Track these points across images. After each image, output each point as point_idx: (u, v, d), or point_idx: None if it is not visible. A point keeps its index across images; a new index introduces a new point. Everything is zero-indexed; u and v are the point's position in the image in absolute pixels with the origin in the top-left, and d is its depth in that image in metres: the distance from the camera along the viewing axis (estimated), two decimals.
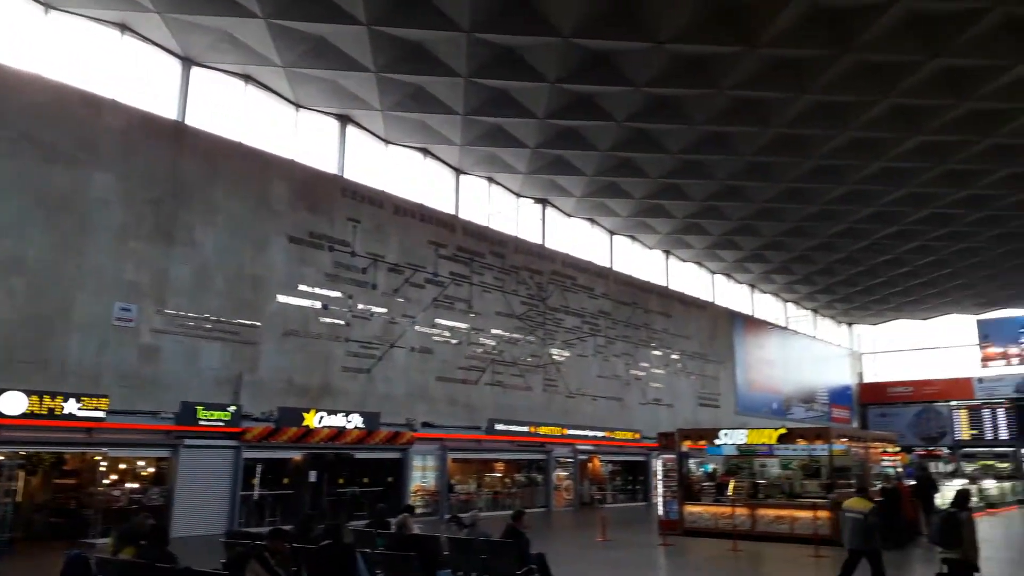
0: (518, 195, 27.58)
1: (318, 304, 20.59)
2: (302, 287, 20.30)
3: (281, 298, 19.81)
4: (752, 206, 27.44)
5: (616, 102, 20.12)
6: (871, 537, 10.36)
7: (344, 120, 22.07)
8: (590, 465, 28.77)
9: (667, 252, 34.62)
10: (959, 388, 46.84)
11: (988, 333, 46.23)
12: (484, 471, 25.38)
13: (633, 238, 32.62)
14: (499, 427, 24.32)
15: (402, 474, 21.42)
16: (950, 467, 41.75)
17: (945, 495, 25.12)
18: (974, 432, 46.12)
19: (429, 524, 18.18)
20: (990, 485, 30.29)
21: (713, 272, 37.70)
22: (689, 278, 36.17)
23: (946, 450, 45.79)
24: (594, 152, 23.10)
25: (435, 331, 23.61)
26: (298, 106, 21.07)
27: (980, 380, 46.21)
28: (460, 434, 23.29)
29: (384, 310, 22.20)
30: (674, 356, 34.11)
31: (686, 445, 20.46)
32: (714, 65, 18.28)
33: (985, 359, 46.23)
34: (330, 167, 21.78)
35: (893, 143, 21.99)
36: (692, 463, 21.42)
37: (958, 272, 35.71)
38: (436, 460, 22.63)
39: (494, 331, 25.58)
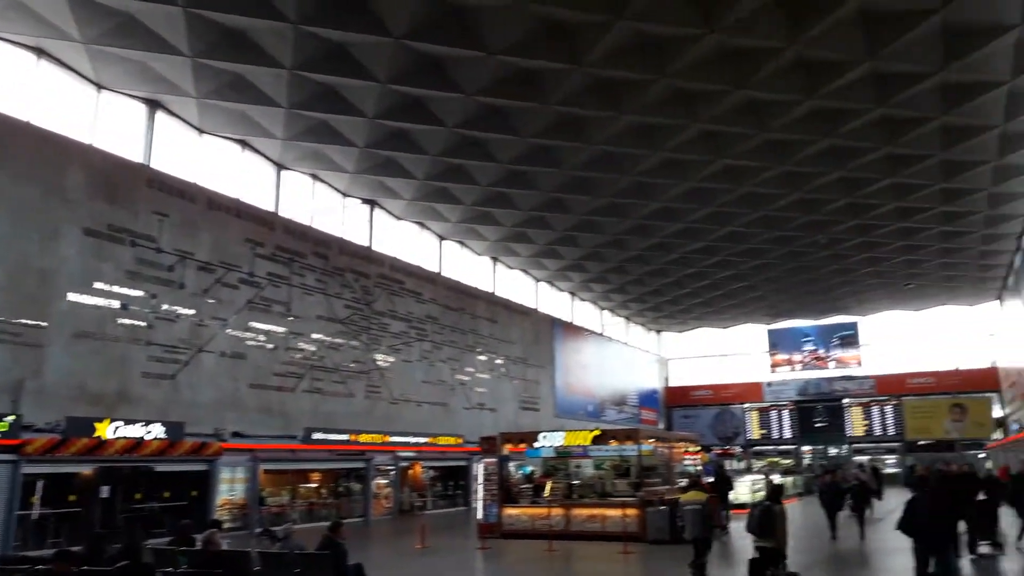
0: (345, 194, 26.89)
1: (116, 303, 18.79)
2: (98, 284, 18.44)
3: (73, 296, 17.87)
4: (574, 218, 28.59)
5: (447, 108, 20.15)
6: (708, 525, 11.37)
7: (153, 105, 20.37)
8: (411, 472, 28.57)
9: (495, 259, 35.25)
10: (752, 391, 51.49)
11: (776, 342, 51.23)
12: (299, 482, 24.41)
13: (462, 244, 32.91)
14: (317, 436, 23.51)
15: (208, 487, 20.09)
16: (742, 464, 45.93)
17: (738, 491, 27.54)
18: (763, 432, 50.83)
19: (239, 539, 17.18)
20: (775, 479, 33.49)
21: (537, 280, 38.89)
22: (515, 285, 37.05)
23: (739, 448, 50.26)
24: (425, 156, 23.00)
25: (249, 335, 22.36)
26: (100, 87, 19.16)
27: (769, 384, 51.04)
28: (274, 444, 22.24)
29: (192, 311, 20.71)
30: (498, 361, 34.74)
31: (507, 448, 20.86)
32: (543, 79, 18.82)
33: (774, 365, 51.16)
34: (135, 155, 20.01)
35: (700, 165, 23.77)
36: (512, 466, 21.86)
37: (753, 286, 39.29)
38: (246, 471, 21.46)
39: (315, 336, 24.69)
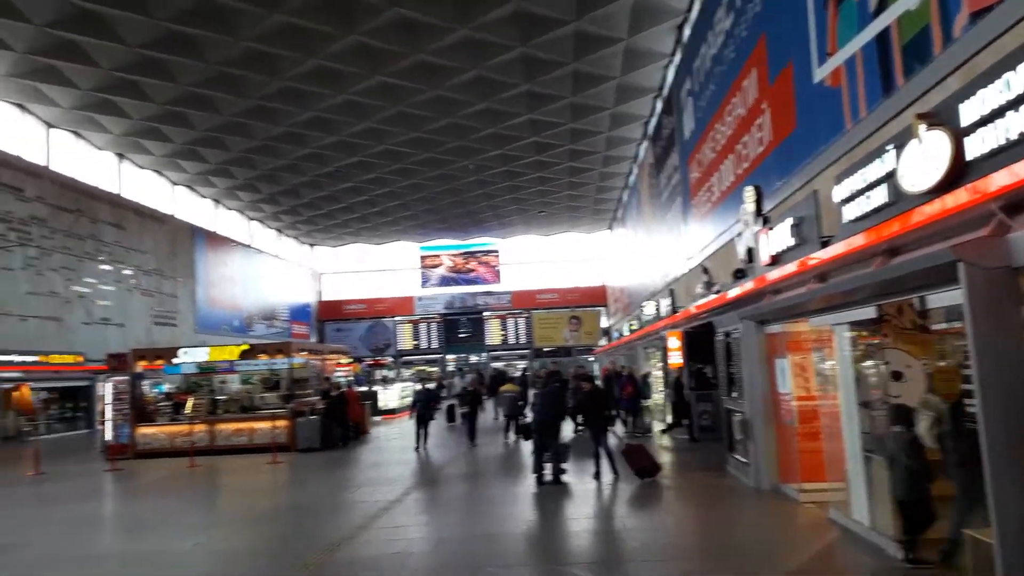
0: None
1: None
2: None
3: None
4: (219, 118, 26.25)
5: None
6: (517, 407, 15.57)
7: None
8: (16, 394, 24.68)
9: (121, 155, 30.97)
10: (403, 305, 53.88)
11: (425, 255, 53.95)
12: None
13: (78, 135, 28.25)
14: None
15: None
16: (392, 372, 48.18)
17: (387, 397, 28.88)
18: (414, 343, 53.87)
19: None
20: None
21: (175, 183, 35.27)
22: (147, 187, 33.11)
23: (390, 359, 52.55)
24: (27, 25, 19.06)
25: None
26: None
27: (420, 299, 53.93)
28: None
29: None
30: (127, 272, 31.12)
31: (141, 365, 19.24)
32: None
33: (425, 267, 54.13)
34: None
35: (355, 78, 23.27)
36: (146, 384, 20.30)
37: (406, 204, 40.33)
38: None
39: None
